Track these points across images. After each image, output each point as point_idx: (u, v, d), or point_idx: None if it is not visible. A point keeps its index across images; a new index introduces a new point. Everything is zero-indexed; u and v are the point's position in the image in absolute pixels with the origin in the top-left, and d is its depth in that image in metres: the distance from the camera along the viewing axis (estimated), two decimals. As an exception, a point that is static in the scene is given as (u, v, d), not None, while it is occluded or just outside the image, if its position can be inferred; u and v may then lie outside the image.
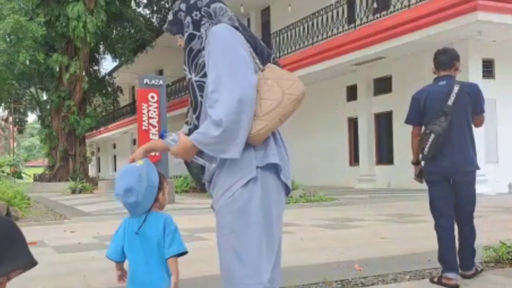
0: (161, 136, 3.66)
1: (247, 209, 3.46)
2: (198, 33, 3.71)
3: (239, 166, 3.46)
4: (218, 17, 3.72)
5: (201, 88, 3.63)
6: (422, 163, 7.13)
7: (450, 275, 6.61)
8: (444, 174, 6.82)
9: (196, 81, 3.67)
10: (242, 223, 3.47)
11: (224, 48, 3.49)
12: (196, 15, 3.74)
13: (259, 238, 3.50)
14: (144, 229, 3.94)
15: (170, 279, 3.88)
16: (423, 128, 7.01)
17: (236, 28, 3.69)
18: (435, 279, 6.99)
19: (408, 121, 7.23)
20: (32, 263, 2.93)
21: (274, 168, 3.55)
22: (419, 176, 7.18)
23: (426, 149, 6.70)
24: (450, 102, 6.66)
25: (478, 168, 6.90)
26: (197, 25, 3.72)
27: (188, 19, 3.77)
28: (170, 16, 3.91)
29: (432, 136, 6.62)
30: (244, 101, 3.30)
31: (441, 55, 7.06)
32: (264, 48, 3.79)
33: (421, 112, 6.99)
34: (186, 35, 3.76)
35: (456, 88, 6.73)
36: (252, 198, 3.46)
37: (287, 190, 3.76)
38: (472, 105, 6.85)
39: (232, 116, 3.28)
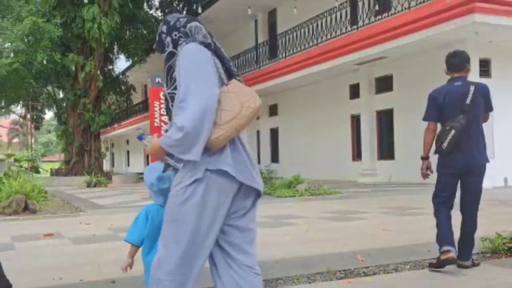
0: (140, 138, 4.06)
1: (185, 205, 3.75)
2: (176, 51, 4.03)
3: (191, 166, 3.77)
4: (193, 35, 4.04)
5: (173, 99, 3.95)
6: (435, 157, 7.26)
7: (447, 247, 6.81)
8: (459, 169, 7.07)
9: (169, 93, 4.01)
10: (179, 216, 3.79)
11: (192, 64, 3.79)
12: (175, 35, 4.08)
13: (185, 234, 3.77)
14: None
15: None
16: (438, 125, 7.27)
17: (209, 44, 4.01)
18: (434, 261, 7.17)
19: (427, 117, 7.41)
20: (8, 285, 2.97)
21: (226, 174, 3.76)
22: (427, 170, 7.30)
23: (446, 144, 6.93)
24: (468, 101, 6.96)
25: (488, 161, 7.21)
26: (176, 44, 4.05)
27: (169, 39, 4.11)
28: (157, 37, 4.26)
29: (453, 132, 6.87)
30: (205, 110, 3.60)
31: (453, 58, 7.39)
32: (231, 65, 4.05)
33: (439, 109, 7.20)
34: (166, 54, 4.10)
35: (472, 89, 7.06)
36: (193, 196, 3.74)
37: (258, 194, 4.06)
38: (484, 104, 7.18)
39: (194, 122, 3.58)
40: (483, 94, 7.21)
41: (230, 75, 4.02)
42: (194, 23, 4.08)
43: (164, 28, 4.19)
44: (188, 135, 3.60)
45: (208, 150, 3.73)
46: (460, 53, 7.52)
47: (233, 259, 3.96)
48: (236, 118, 3.70)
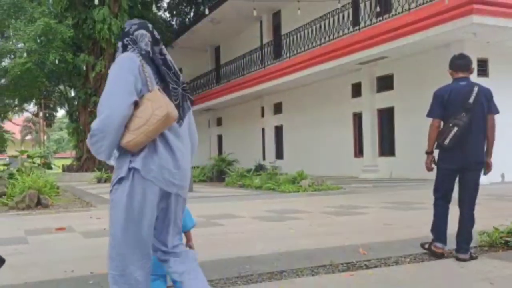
0: None
1: (116, 201, 4.02)
2: None
3: (119, 166, 4.07)
4: (138, 43, 4.23)
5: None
6: (436, 152, 7.51)
7: (438, 245, 7.32)
8: (458, 165, 7.30)
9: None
10: (112, 212, 4.07)
11: (115, 74, 4.00)
12: (126, 41, 4.27)
13: (120, 227, 4.02)
14: None
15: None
16: (441, 122, 7.44)
17: (147, 52, 4.20)
18: (426, 246, 7.63)
19: (432, 114, 7.55)
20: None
21: (150, 173, 4.02)
22: (431, 164, 7.52)
23: (448, 140, 7.13)
24: (471, 101, 7.18)
25: (485, 159, 7.54)
26: (125, 49, 4.26)
27: (120, 44, 4.33)
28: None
29: (455, 129, 7.10)
30: (110, 118, 3.83)
31: (459, 59, 7.63)
32: (168, 73, 4.27)
33: (443, 107, 7.36)
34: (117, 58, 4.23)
35: (476, 89, 7.31)
36: (122, 193, 3.99)
37: (174, 195, 4.27)
38: (487, 106, 7.37)
39: (100, 128, 3.85)
40: (486, 95, 7.41)
41: (164, 81, 4.21)
42: (140, 31, 4.27)
43: (121, 33, 4.41)
44: (95, 139, 3.90)
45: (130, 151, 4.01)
46: (465, 56, 7.73)
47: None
48: (146, 124, 3.88)
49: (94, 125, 3.89)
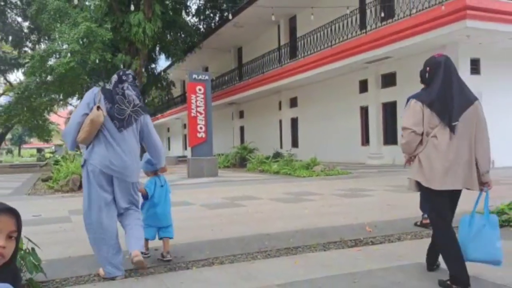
0: None
1: (83, 176, 5.91)
2: None
3: (83, 155, 5.96)
4: (109, 82, 6.18)
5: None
6: None
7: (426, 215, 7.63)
8: None
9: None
10: (83, 181, 5.97)
11: (82, 100, 5.97)
12: (111, 81, 6.19)
13: (86, 189, 5.89)
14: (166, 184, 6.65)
15: None
16: None
17: (109, 88, 6.05)
18: (418, 223, 8.06)
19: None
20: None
21: (93, 160, 5.80)
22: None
23: None
24: None
25: None
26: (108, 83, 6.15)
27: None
28: None
29: None
30: (68, 126, 5.86)
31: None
32: (117, 99, 5.92)
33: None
34: None
35: None
36: (84, 174, 5.89)
37: (120, 180, 5.87)
38: None
39: (65, 130, 5.91)
40: None
41: (113, 103, 5.87)
42: (113, 76, 6.15)
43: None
44: (63, 136, 5.96)
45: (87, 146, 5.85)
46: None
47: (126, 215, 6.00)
48: (84, 128, 5.69)
49: (63, 131, 6.15)
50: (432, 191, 5.01)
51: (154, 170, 6.56)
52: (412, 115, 5.11)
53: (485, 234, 4.98)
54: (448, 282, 4.91)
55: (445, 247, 5.00)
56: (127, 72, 6.13)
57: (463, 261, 4.89)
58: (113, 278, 5.62)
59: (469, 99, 5.15)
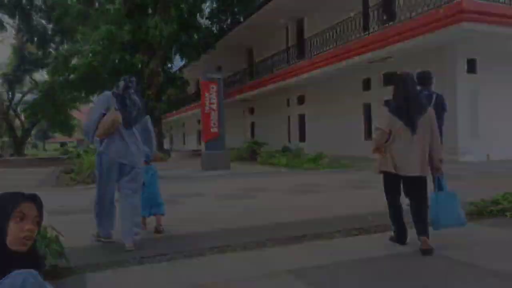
0: None
1: (96, 165, 6.74)
2: None
3: (98, 148, 6.67)
4: (118, 87, 6.74)
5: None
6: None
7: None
8: None
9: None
10: (96, 173, 6.80)
11: (96, 101, 6.84)
12: (117, 86, 6.82)
13: (98, 183, 6.78)
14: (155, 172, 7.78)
15: None
16: None
17: (119, 92, 6.67)
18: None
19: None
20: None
21: (107, 153, 6.57)
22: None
23: None
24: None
25: None
26: (117, 88, 6.81)
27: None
28: None
29: None
30: (87, 124, 6.65)
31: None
32: (128, 103, 6.67)
33: None
34: None
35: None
36: (97, 161, 6.68)
37: (130, 167, 6.66)
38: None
39: (85, 126, 6.72)
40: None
41: (123, 107, 6.58)
42: (121, 82, 6.76)
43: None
44: (85, 131, 6.71)
45: (102, 140, 6.55)
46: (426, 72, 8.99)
47: (124, 196, 6.67)
48: (104, 126, 6.42)
49: (83, 126, 7.02)
50: (387, 174, 6.85)
51: (146, 161, 7.21)
52: (383, 119, 6.30)
53: (449, 206, 6.10)
54: (392, 237, 6.56)
55: (392, 214, 6.62)
56: (132, 79, 6.88)
57: (403, 224, 6.45)
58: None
59: (424, 107, 6.25)
